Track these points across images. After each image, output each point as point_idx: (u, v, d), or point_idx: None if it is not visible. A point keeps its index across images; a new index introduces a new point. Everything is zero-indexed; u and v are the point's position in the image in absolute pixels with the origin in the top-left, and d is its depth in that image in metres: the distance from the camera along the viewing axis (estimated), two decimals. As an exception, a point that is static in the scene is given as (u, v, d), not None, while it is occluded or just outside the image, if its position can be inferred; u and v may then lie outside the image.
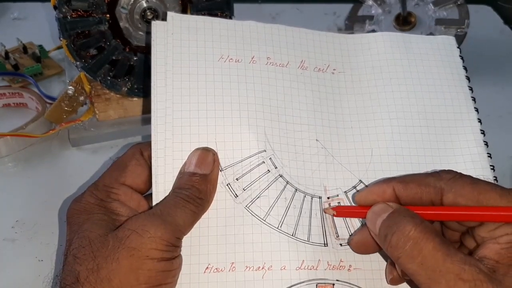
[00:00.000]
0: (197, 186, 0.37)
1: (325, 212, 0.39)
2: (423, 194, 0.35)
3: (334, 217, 0.39)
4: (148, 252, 0.33)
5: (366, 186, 0.41)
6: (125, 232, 0.34)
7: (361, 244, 0.37)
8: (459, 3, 0.70)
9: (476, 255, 0.32)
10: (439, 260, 0.31)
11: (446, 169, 0.36)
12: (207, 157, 0.38)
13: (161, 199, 0.37)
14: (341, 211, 0.38)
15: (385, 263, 0.38)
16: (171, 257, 0.35)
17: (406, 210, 0.34)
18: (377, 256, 0.38)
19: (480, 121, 0.44)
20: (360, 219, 0.39)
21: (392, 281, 0.37)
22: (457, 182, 0.34)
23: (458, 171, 0.35)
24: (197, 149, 0.39)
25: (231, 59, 0.42)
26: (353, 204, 0.40)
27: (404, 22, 0.72)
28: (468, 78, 0.45)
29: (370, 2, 0.74)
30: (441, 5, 0.70)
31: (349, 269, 0.38)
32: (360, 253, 0.38)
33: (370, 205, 0.36)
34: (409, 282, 0.37)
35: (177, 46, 0.42)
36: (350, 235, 0.39)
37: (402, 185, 0.35)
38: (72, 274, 0.33)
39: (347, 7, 0.77)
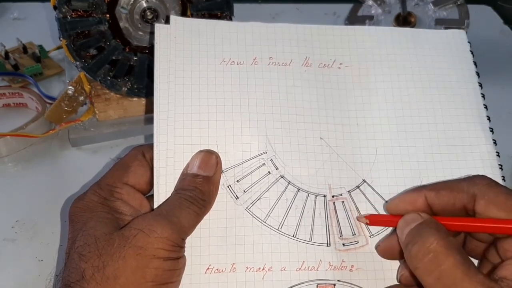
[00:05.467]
0: (200, 187, 0.37)
1: (358, 220, 0.39)
2: (456, 200, 0.34)
3: (339, 217, 0.39)
4: (154, 251, 0.33)
5: (373, 189, 0.41)
6: (132, 231, 0.34)
7: (387, 250, 0.37)
8: (459, 3, 0.70)
9: (496, 275, 0.31)
10: (457, 278, 0.30)
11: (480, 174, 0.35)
12: (210, 159, 0.38)
13: (162, 200, 0.37)
14: (374, 220, 0.38)
15: (387, 263, 0.38)
16: (177, 257, 0.35)
17: (433, 221, 0.34)
18: (379, 256, 0.38)
19: (489, 118, 0.43)
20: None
21: (402, 278, 0.37)
22: (491, 190, 0.33)
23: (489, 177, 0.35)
24: (200, 151, 0.39)
25: (233, 61, 0.42)
26: (358, 206, 0.40)
27: (404, 22, 0.72)
28: (478, 74, 0.44)
29: (370, 2, 0.74)
30: (441, 5, 0.70)
31: (351, 269, 0.38)
32: (385, 258, 0.38)
33: (401, 214, 0.36)
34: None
35: (180, 49, 0.42)
36: (377, 243, 0.38)
37: (434, 192, 0.35)
38: (77, 272, 0.33)
39: (347, 7, 0.77)
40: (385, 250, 0.37)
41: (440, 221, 0.34)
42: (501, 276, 0.31)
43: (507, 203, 0.33)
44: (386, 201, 0.39)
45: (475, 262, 0.37)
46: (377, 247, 0.38)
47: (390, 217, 0.38)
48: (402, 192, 0.38)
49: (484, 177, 0.35)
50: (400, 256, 0.36)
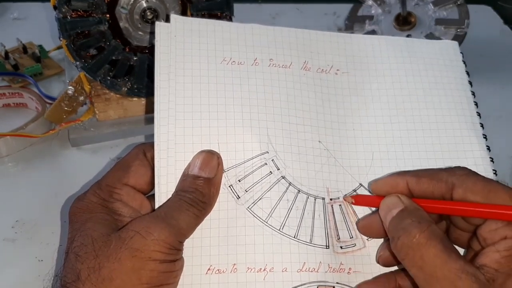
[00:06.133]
0: (201, 189, 0.37)
1: (344, 200, 0.40)
2: (435, 189, 0.35)
3: (336, 220, 0.39)
4: (150, 253, 0.33)
5: (369, 191, 0.41)
6: (129, 233, 0.34)
7: (367, 226, 0.38)
8: (459, 3, 0.70)
9: (477, 263, 0.32)
10: (437, 267, 0.31)
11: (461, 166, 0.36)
12: (211, 160, 0.38)
13: (163, 200, 0.37)
14: (358, 200, 0.39)
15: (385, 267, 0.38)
16: (173, 260, 0.35)
17: (414, 209, 0.35)
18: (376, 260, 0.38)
19: (482, 125, 0.44)
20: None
21: (380, 259, 0.38)
22: (470, 179, 0.34)
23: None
24: (202, 151, 0.39)
25: (233, 61, 0.42)
26: (355, 209, 0.40)
27: (404, 22, 0.72)
28: (470, 83, 0.45)
29: (370, 2, 0.74)
30: (441, 5, 0.70)
31: (348, 272, 0.38)
32: (364, 235, 0.39)
33: (384, 195, 0.37)
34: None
35: (180, 48, 0.42)
36: (357, 220, 0.39)
37: (415, 179, 0.36)
38: (73, 272, 0.33)
39: (347, 7, 0.77)
40: (365, 227, 0.38)
41: (418, 203, 0.35)
42: (481, 263, 0.32)
43: (484, 190, 0.33)
44: (369, 185, 0.40)
45: (461, 251, 0.37)
46: (357, 223, 0.39)
47: (374, 198, 0.39)
48: (387, 174, 0.39)
49: (463, 168, 0.36)
50: (378, 234, 0.38)
